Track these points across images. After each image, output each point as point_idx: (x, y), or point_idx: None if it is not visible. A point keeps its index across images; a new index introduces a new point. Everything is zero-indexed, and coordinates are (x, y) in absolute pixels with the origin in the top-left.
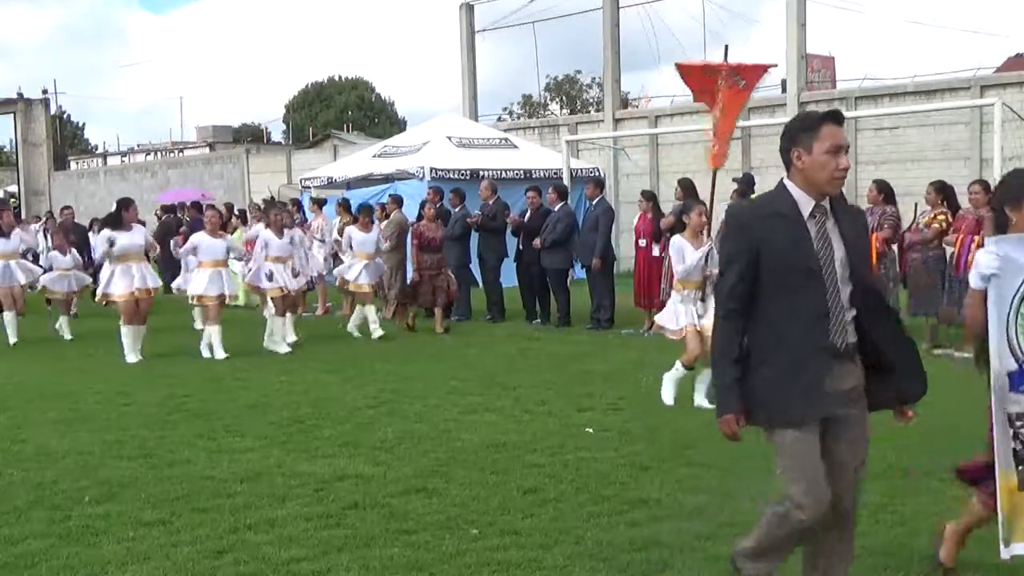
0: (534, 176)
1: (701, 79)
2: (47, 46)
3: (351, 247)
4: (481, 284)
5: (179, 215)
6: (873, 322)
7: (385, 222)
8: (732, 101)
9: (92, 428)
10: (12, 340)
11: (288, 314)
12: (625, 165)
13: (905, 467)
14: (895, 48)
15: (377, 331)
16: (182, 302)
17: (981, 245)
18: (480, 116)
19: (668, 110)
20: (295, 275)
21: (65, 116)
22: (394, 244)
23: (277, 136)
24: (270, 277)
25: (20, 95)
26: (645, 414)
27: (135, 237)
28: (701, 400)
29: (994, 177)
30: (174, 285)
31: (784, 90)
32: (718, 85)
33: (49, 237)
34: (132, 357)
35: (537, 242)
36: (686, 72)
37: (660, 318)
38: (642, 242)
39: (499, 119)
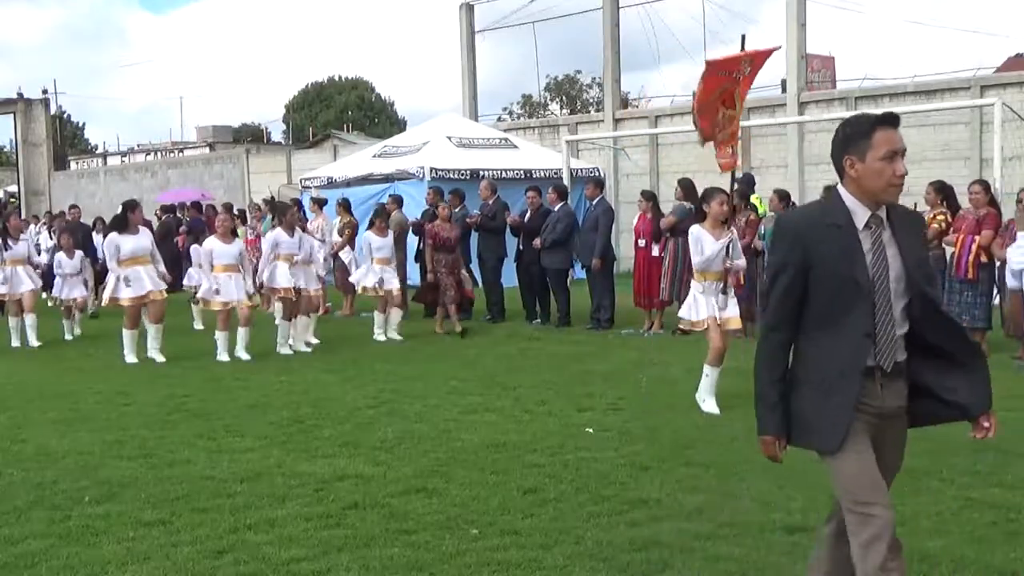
0: (534, 176)
1: (719, 78)
2: (47, 46)
3: (369, 253)
4: (481, 284)
5: (179, 215)
6: (933, 334)
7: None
8: (743, 90)
9: (92, 428)
10: (15, 343)
11: (308, 316)
12: (625, 165)
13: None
14: (895, 48)
15: (380, 336)
16: (182, 303)
17: (982, 245)
18: (480, 116)
19: (668, 110)
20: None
21: (65, 116)
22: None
23: (277, 136)
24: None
25: (20, 95)
26: (645, 414)
27: (141, 240)
28: (709, 407)
29: (994, 177)
30: (185, 284)
31: (784, 90)
32: (732, 77)
33: (53, 236)
34: (131, 357)
35: (537, 242)
36: (711, 67)
37: (682, 312)
38: (641, 242)
39: (499, 119)
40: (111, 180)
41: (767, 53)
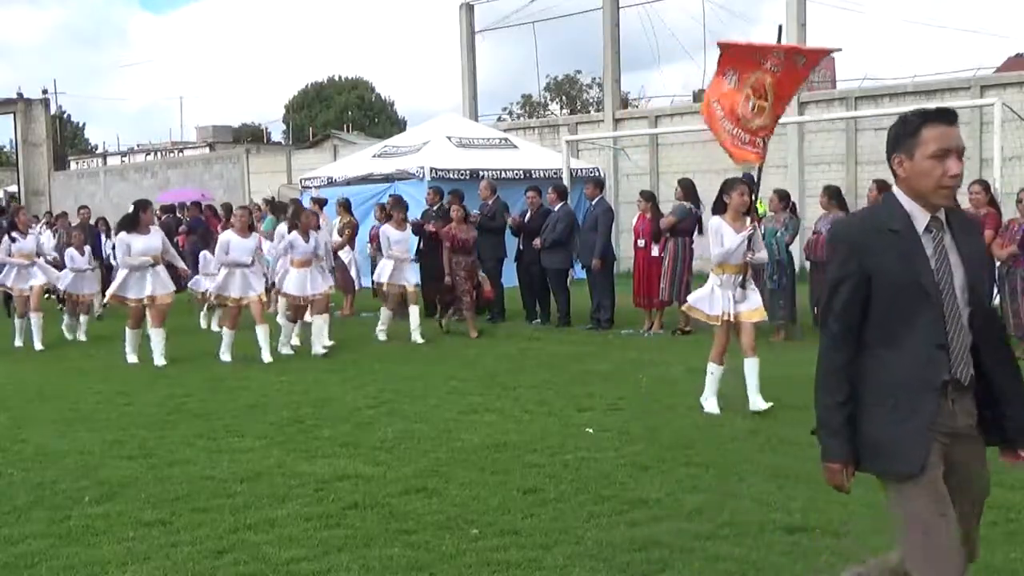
0: (534, 176)
1: (743, 61)
2: (47, 46)
3: (388, 247)
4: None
5: (179, 215)
6: (989, 351)
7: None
8: (785, 82)
9: (92, 428)
10: (18, 343)
11: (322, 316)
12: (625, 165)
13: None
14: (895, 48)
15: (383, 335)
16: (183, 303)
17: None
18: (480, 116)
19: (668, 110)
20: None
21: (65, 116)
22: None
23: (277, 136)
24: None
25: (20, 95)
26: (645, 414)
27: (152, 240)
28: (710, 406)
29: (994, 177)
30: (190, 285)
31: None
32: (765, 68)
33: (55, 236)
34: (133, 358)
35: (537, 242)
36: (728, 51)
37: (693, 298)
38: (641, 242)
39: (499, 119)
40: (111, 180)
41: (824, 52)
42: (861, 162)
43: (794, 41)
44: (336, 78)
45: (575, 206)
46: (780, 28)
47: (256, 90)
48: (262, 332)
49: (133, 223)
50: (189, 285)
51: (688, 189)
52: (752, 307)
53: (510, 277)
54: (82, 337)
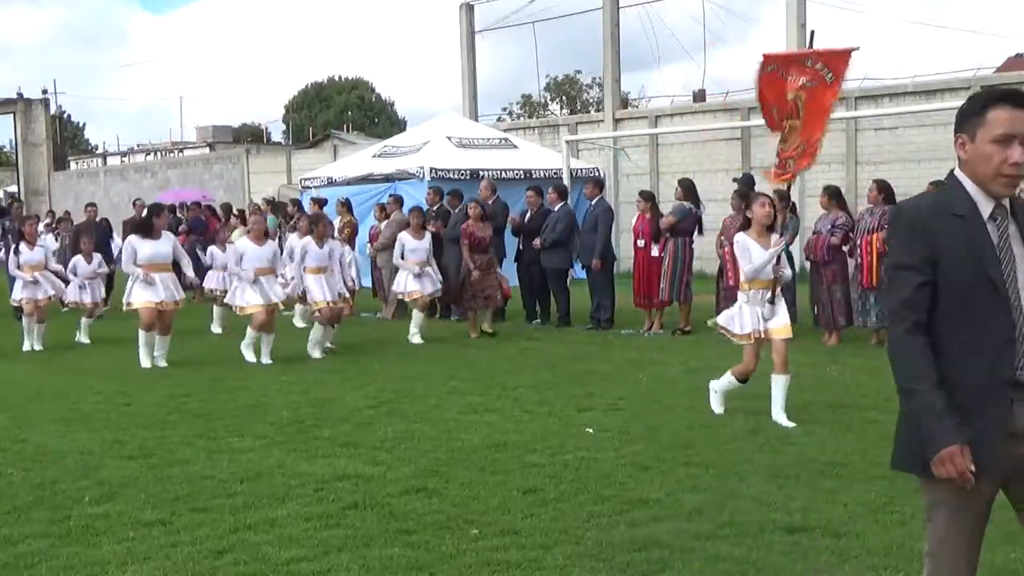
0: (534, 176)
1: (786, 62)
2: (47, 46)
3: (402, 256)
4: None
5: (179, 215)
6: None
7: (385, 223)
8: (818, 100)
9: (92, 428)
10: (26, 347)
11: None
12: (625, 165)
13: None
14: (895, 48)
15: (416, 338)
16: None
17: None
18: (480, 116)
19: (668, 110)
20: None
21: (65, 116)
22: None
23: (277, 136)
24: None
25: (20, 95)
26: (645, 414)
27: (161, 246)
28: (715, 404)
29: None
30: (206, 286)
31: None
32: (801, 85)
33: (58, 239)
34: (146, 362)
35: (537, 242)
36: (770, 63)
37: (723, 319)
38: (640, 242)
39: (499, 119)
40: (111, 180)
41: (846, 54)
42: (861, 162)
43: (794, 41)
44: (336, 78)
45: (575, 206)
46: (812, 33)
47: (256, 90)
48: (265, 339)
49: (146, 228)
50: (204, 284)
51: (688, 189)
52: (781, 323)
53: (510, 277)
54: (85, 340)
